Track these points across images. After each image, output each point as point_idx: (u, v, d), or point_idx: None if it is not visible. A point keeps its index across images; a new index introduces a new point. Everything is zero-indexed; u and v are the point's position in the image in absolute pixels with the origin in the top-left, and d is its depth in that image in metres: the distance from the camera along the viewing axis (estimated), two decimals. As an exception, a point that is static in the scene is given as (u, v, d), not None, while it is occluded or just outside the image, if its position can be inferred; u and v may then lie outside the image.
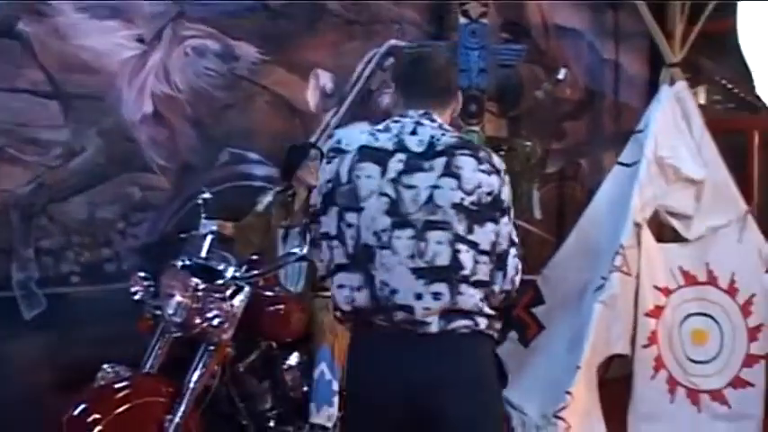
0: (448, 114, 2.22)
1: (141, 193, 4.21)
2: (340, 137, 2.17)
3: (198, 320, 3.08)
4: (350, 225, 2.05)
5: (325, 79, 4.76)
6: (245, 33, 4.43)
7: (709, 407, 4.45)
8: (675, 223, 4.69)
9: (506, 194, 2.10)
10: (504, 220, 2.09)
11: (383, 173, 2.04)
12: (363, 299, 2.05)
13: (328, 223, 2.11)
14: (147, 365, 3.21)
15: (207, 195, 3.65)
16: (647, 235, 4.58)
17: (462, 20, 4.78)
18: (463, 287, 2.00)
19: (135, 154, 4.18)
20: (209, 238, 3.51)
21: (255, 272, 3.27)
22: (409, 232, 2.00)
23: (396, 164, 2.05)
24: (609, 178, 4.97)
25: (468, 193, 2.02)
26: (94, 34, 3.99)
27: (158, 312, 3.23)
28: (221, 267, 3.29)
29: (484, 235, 2.03)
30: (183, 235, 3.72)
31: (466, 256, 2.00)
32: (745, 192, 4.83)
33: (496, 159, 2.12)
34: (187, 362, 3.15)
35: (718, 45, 5.60)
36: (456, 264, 2.00)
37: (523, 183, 5.29)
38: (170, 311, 3.11)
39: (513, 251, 2.12)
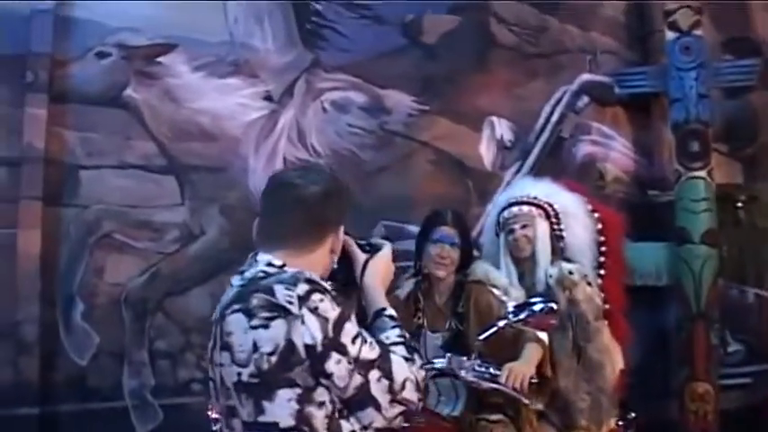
0: (310, 259, 1.71)
1: (274, 281, 3.62)
2: None
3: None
4: None
5: (503, 129, 4.15)
6: (395, 80, 3.98)
7: None
8: None
9: (313, 330, 1.57)
10: (330, 361, 1.58)
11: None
12: None
13: None
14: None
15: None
16: None
17: (670, 34, 3.99)
18: None
19: (266, 234, 3.64)
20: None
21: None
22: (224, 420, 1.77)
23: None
24: None
25: (244, 365, 1.62)
26: (213, 95, 3.77)
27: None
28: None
29: (280, 408, 1.61)
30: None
31: None
32: None
33: (282, 294, 1.60)
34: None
35: None
36: None
37: (768, 242, 4.22)
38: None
39: (371, 377, 1.61)
